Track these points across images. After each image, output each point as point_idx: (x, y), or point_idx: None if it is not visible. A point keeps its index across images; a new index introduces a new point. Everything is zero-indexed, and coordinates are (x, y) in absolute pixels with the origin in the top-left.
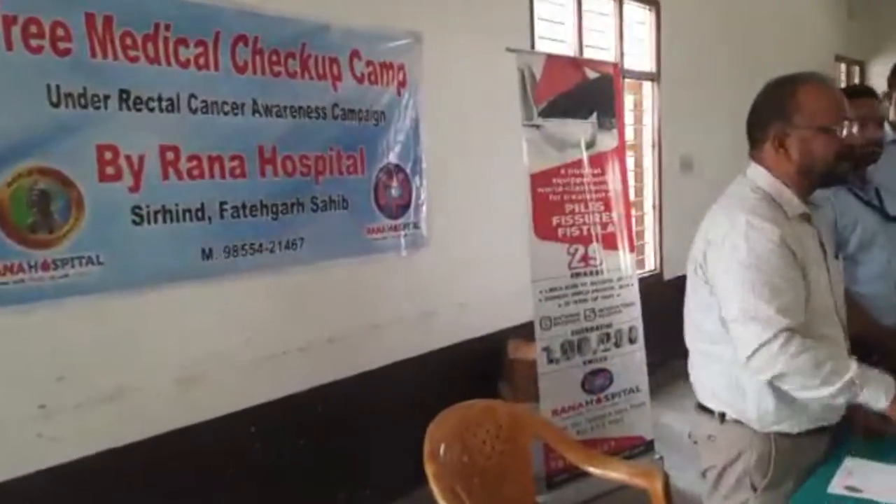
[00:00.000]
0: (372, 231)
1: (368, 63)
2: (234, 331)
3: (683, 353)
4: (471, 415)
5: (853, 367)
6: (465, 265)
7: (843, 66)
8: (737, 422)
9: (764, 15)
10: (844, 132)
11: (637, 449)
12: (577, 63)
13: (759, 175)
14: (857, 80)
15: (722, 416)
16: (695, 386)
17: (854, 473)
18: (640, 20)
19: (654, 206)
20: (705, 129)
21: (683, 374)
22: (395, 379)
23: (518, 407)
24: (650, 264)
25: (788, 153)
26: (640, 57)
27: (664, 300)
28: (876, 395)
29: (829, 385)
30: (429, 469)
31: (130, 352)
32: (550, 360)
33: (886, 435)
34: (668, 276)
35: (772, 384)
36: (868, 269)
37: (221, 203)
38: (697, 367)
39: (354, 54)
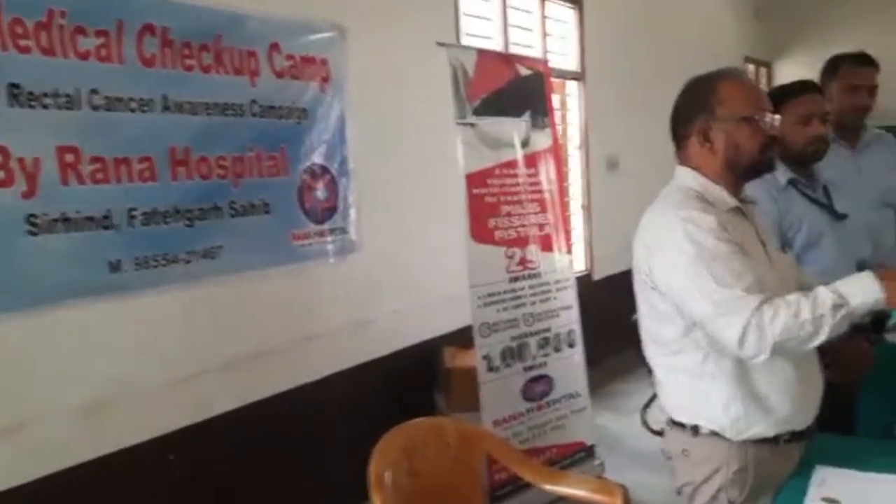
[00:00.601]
0: (297, 237)
1: (289, 57)
2: (148, 350)
3: (615, 353)
4: (417, 435)
5: (824, 293)
6: (399, 270)
7: (751, 68)
8: (711, 434)
9: (680, 15)
10: (767, 123)
11: (579, 455)
12: (508, 59)
13: (686, 176)
14: (764, 82)
15: (695, 429)
16: (663, 402)
17: (828, 483)
18: (564, 18)
19: (582, 207)
20: (630, 129)
21: (617, 374)
22: (329, 393)
23: (467, 424)
24: (580, 265)
25: (713, 146)
26: (564, 56)
27: (595, 301)
28: (864, 296)
29: (822, 325)
30: (375, 499)
31: (28, 380)
32: (490, 369)
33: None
34: (597, 276)
35: (737, 387)
36: (814, 268)
37: (130, 210)
38: (663, 383)
39: (274, 48)
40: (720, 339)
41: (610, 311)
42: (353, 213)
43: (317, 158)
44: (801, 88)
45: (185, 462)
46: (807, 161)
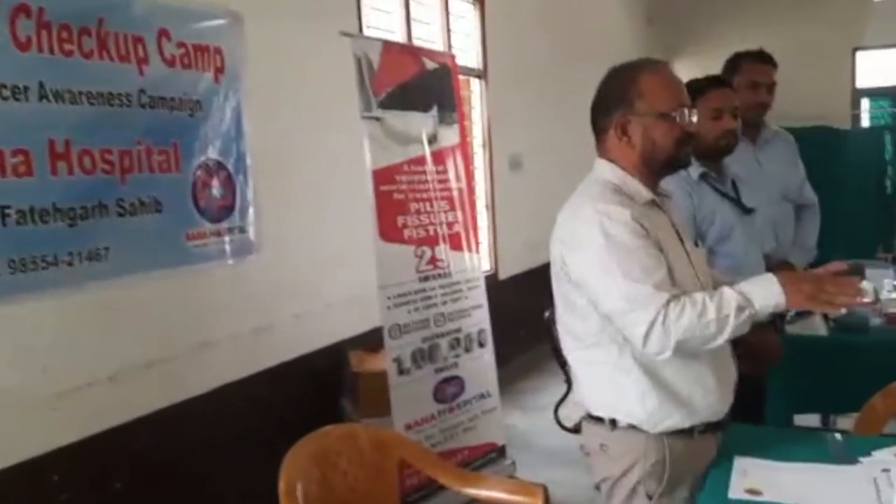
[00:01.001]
0: (191, 237)
1: (180, 44)
2: (26, 362)
3: (522, 351)
4: (328, 443)
5: (729, 293)
6: (302, 271)
7: None
8: (629, 427)
9: (577, 18)
10: (685, 119)
11: (490, 455)
12: (414, 52)
13: (604, 168)
14: None
15: (613, 422)
16: (581, 397)
17: (749, 474)
18: (465, 15)
19: (486, 206)
20: (533, 128)
21: (523, 373)
22: (227, 403)
23: (381, 430)
24: (485, 264)
25: (631, 140)
26: (466, 53)
27: (501, 300)
28: (767, 299)
29: (725, 326)
30: None
31: None
32: (401, 371)
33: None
34: (503, 275)
35: (651, 379)
36: (725, 261)
37: (3, 208)
38: (580, 378)
39: (163, 33)
40: (627, 334)
41: (516, 310)
42: (251, 211)
43: (212, 153)
44: (712, 83)
45: (69, 483)
46: (718, 155)
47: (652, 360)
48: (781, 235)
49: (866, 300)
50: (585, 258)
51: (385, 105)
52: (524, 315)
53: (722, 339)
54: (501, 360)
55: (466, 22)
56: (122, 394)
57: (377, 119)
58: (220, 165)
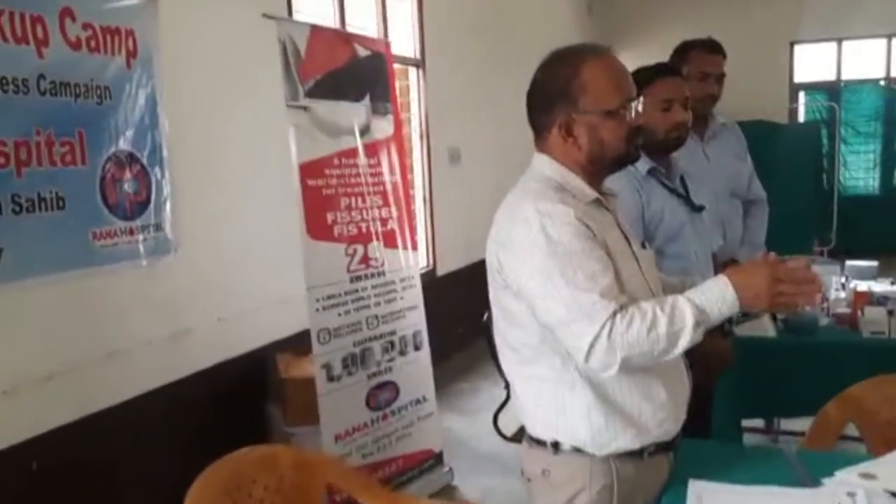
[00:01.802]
0: (99, 236)
1: (86, 26)
2: None
3: (459, 350)
4: (244, 469)
5: (683, 305)
6: (224, 271)
7: None
8: (574, 451)
9: (518, 8)
10: (633, 114)
11: (427, 463)
12: (345, 38)
13: (544, 164)
14: None
15: (555, 445)
16: (522, 418)
17: (704, 499)
18: (403, 1)
19: (424, 200)
20: (472, 120)
21: (460, 373)
22: (142, 414)
23: (304, 452)
24: (423, 261)
25: (577, 141)
26: (404, 41)
27: (439, 298)
28: (722, 307)
29: (678, 341)
30: None
31: None
32: (331, 378)
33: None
34: (441, 272)
35: (598, 395)
36: (674, 262)
37: None
38: (519, 394)
39: (66, 13)
40: (568, 347)
41: (454, 307)
42: (168, 207)
43: (123, 145)
44: (661, 72)
45: None
46: (668, 149)
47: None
48: (729, 233)
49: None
50: (524, 262)
51: (313, 94)
52: (463, 312)
53: (673, 355)
54: (438, 359)
55: (404, 9)
56: (20, 410)
57: (304, 109)
58: (133, 158)
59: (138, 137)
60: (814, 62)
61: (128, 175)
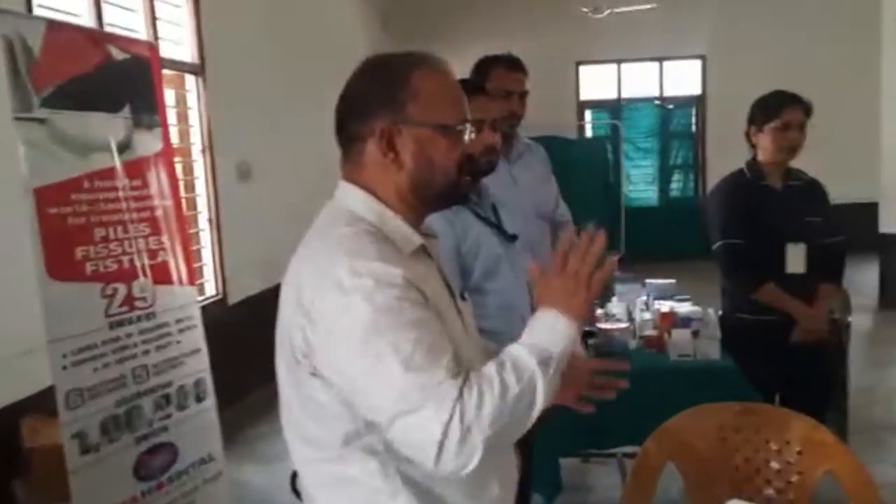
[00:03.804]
0: None
1: None
2: None
3: (256, 386)
4: None
5: (518, 351)
6: None
7: None
8: None
9: (308, 17)
10: (467, 136)
11: None
12: (95, 37)
13: (354, 198)
14: None
15: None
16: None
17: None
18: (177, 2)
19: (210, 221)
20: (264, 132)
21: (256, 414)
22: None
23: None
24: (211, 289)
25: (399, 157)
26: (179, 45)
27: (232, 329)
28: (555, 335)
29: (536, 391)
30: None
31: None
32: (86, 450)
33: None
34: (233, 299)
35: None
36: (496, 300)
37: None
38: (319, 501)
39: None
40: (410, 445)
41: (248, 338)
42: None
43: None
44: (470, 90)
45: None
46: (479, 174)
47: (428, 478)
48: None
49: (622, 325)
50: (342, 342)
51: (52, 104)
52: (258, 343)
53: (536, 411)
54: (232, 401)
55: (180, 11)
56: None
57: (40, 121)
58: None
59: None
60: (597, 82)
61: None
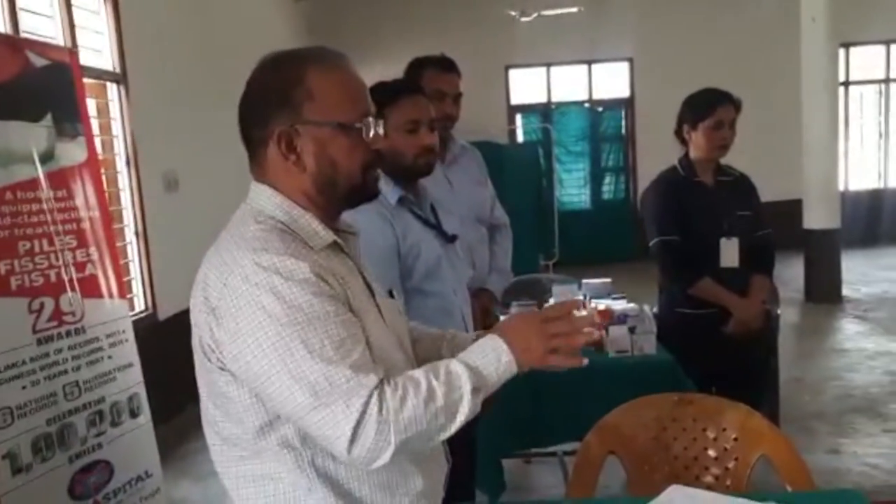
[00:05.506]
0: None
1: None
2: None
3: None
4: None
5: (458, 369)
6: None
7: None
8: None
9: (231, 24)
10: (371, 133)
11: None
12: (14, 43)
13: (263, 197)
14: None
15: None
16: None
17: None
18: (96, 9)
19: (137, 234)
20: (190, 141)
21: (192, 430)
22: None
23: None
24: (140, 304)
25: (301, 159)
26: (99, 53)
27: (164, 344)
28: (497, 369)
29: (457, 413)
30: None
31: None
32: (17, 470)
33: None
34: (163, 315)
35: (340, 497)
36: (435, 301)
37: None
38: (235, 497)
39: None
40: (323, 438)
41: (183, 352)
42: None
43: None
44: (405, 90)
45: None
46: (417, 175)
47: (346, 470)
48: (477, 262)
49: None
50: (249, 337)
51: None
52: (191, 358)
53: (450, 432)
54: (168, 416)
55: (99, 18)
56: None
57: None
58: None
59: None
60: (527, 85)
61: None
